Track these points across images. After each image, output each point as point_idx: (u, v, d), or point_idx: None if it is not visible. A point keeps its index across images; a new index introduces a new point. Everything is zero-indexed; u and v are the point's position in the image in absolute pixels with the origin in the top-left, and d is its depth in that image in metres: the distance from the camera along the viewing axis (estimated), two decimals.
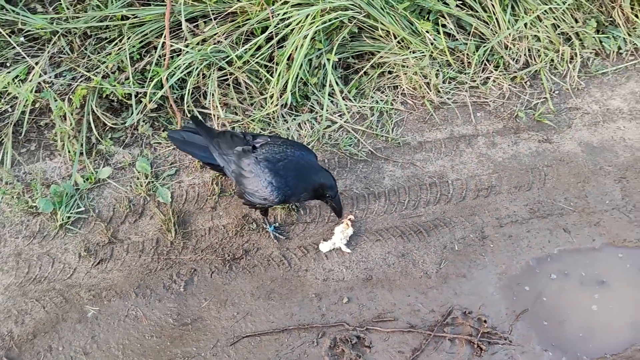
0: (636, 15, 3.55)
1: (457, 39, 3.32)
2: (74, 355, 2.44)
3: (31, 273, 2.63)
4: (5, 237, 2.72)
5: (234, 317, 2.56)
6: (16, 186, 2.81)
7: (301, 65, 3.00)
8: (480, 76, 3.31)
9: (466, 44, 3.30)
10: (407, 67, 3.23)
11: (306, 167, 2.46)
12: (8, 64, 3.05)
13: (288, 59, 3.01)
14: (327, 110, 3.08)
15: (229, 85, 3.08)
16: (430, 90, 3.20)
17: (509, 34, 3.32)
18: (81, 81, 3.01)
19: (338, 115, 3.10)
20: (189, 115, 3.01)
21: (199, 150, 2.61)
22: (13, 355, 2.44)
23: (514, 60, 3.35)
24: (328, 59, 3.07)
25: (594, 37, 3.49)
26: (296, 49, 2.96)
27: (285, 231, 2.78)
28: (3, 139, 2.94)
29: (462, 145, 3.07)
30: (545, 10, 3.38)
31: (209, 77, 3.02)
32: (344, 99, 3.12)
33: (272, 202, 2.45)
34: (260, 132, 3.01)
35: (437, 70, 3.24)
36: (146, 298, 2.59)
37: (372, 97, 3.18)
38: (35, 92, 2.94)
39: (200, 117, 2.98)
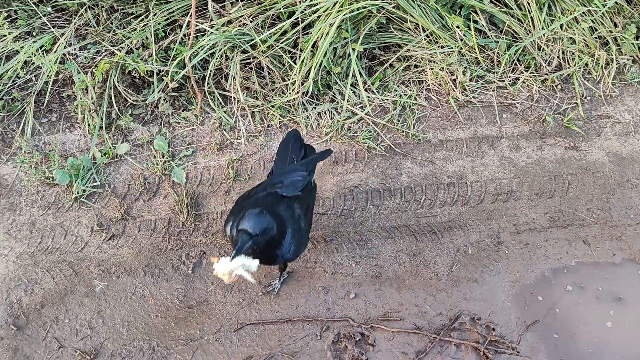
0: None
1: (488, 36, 3.22)
2: (79, 328, 2.46)
3: (43, 243, 2.66)
4: (21, 206, 2.75)
5: (239, 303, 2.55)
6: (35, 156, 2.83)
7: (325, 53, 2.94)
8: (510, 76, 3.20)
9: (497, 42, 3.19)
10: (434, 62, 3.14)
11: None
12: (34, 34, 3.06)
13: (313, 46, 2.95)
14: (348, 101, 3.02)
15: (251, 69, 3.04)
16: (456, 88, 3.11)
17: (543, 35, 3.20)
18: (105, 55, 3.00)
19: (359, 107, 3.04)
20: (208, 97, 2.99)
21: None
22: (20, 323, 2.47)
23: (546, 62, 3.24)
24: (353, 49, 3.01)
25: (632, 43, 3.34)
26: (321, 37, 2.90)
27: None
28: (25, 108, 2.96)
29: (484, 147, 2.99)
30: (583, 12, 3.25)
31: (231, 60, 2.99)
32: (366, 91, 3.06)
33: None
34: (285, 125, 2.97)
35: (465, 67, 3.15)
36: (154, 277, 2.60)
37: (396, 91, 3.11)
38: (59, 63, 2.95)
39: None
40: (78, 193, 2.75)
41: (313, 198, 2.45)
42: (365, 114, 3.01)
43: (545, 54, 3.24)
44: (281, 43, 2.97)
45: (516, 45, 3.20)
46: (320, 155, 2.47)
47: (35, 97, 2.97)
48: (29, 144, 2.87)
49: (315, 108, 3.03)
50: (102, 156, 2.85)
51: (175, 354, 2.40)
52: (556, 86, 3.23)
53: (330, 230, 2.73)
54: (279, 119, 3.00)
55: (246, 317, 2.52)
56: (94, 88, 2.90)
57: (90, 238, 2.68)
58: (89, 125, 2.92)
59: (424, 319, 2.53)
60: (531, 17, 3.21)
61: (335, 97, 3.07)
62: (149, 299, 2.54)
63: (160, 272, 2.62)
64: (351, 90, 3.05)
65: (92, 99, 2.90)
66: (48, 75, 2.93)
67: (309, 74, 2.94)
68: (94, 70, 2.92)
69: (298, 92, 2.98)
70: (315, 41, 2.94)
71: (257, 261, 2.07)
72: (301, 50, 2.97)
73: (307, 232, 2.33)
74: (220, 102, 3.02)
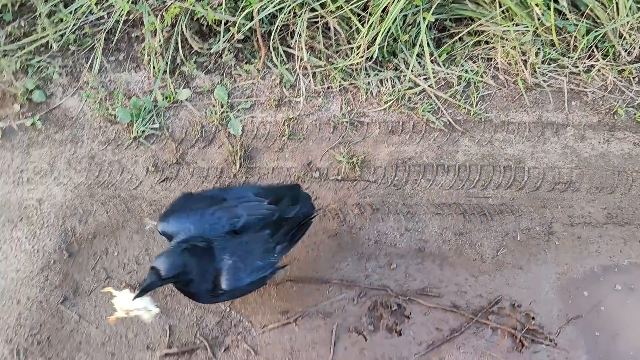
0: None
1: (567, 18, 3.06)
2: (127, 262, 2.56)
3: (100, 177, 2.75)
4: (82, 139, 2.84)
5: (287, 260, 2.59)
6: (100, 92, 2.91)
7: (395, 19, 2.86)
8: (585, 63, 3.05)
9: (577, 25, 3.03)
10: (506, 39, 3.02)
11: None
12: None
13: (382, 11, 2.88)
14: (412, 71, 2.95)
15: (317, 28, 3.00)
16: (526, 69, 2.99)
17: (627, 22, 3.02)
18: (176, 0, 3.02)
19: (423, 78, 2.97)
20: (272, 53, 2.97)
21: None
22: (72, 250, 2.59)
23: (626, 51, 3.06)
24: (424, 18, 2.92)
25: None
26: (393, 2, 2.82)
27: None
28: (95, 45, 3.03)
29: (548, 133, 2.88)
30: None
31: (299, 17, 2.95)
32: (432, 62, 2.98)
33: None
34: (326, 91, 2.94)
35: (539, 48, 3.02)
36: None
37: (462, 66, 3.02)
38: (132, 3, 2.99)
39: None
40: (137, 133, 2.81)
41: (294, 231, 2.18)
42: (428, 86, 2.94)
43: (627, 42, 3.06)
44: (351, 4, 2.91)
45: (596, 31, 3.03)
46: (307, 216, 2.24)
47: (105, 34, 3.03)
48: (96, 80, 2.94)
49: (377, 74, 2.98)
50: (163, 99, 2.90)
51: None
52: (633, 78, 3.06)
53: (378, 199, 2.71)
54: (340, 82, 2.96)
55: (287, 273, 2.56)
56: (162, 31, 2.93)
57: (145, 178, 2.76)
58: (153, 67, 2.96)
59: (462, 298, 2.50)
60: (616, 3, 3.02)
61: (399, 65, 3.00)
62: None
63: None
64: (416, 60, 2.98)
65: (159, 42, 2.94)
66: (119, 14, 2.97)
67: (375, 39, 2.88)
68: (163, 13, 2.94)
69: (362, 57, 2.93)
70: (386, 6, 2.86)
71: (157, 309, 1.90)
72: (370, 14, 2.90)
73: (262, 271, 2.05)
74: (283, 59, 3.01)
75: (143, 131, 2.83)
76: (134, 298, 1.78)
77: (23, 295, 2.48)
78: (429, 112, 2.90)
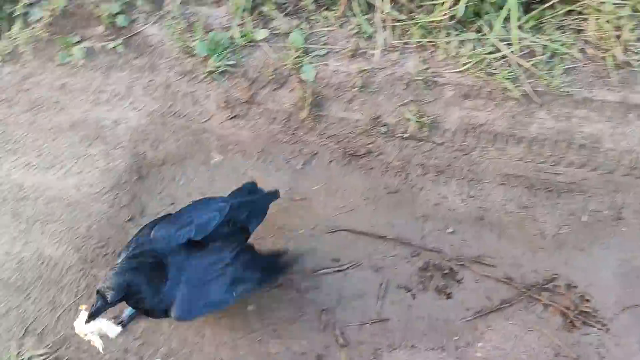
0: None
1: None
2: (191, 191, 2.65)
3: (174, 107, 2.82)
4: (160, 68, 2.90)
5: (339, 208, 2.61)
6: (180, 23, 2.94)
7: None
8: None
9: None
10: (601, 11, 2.85)
11: None
12: None
13: None
14: (496, 35, 2.84)
15: None
16: (618, 45, 2.83)
17: None
18: None
19: (505, 44, 2.85)
20: (353, 2, 2.91)
21: None
22: (142, 173, 2.70)
23: None
24: None
25: None
26: None
27: None
28: None
29: (631, 116, 2.74)
30: None
31: None
32: (518, 28, 2.85)
33: None
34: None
35: (635, 25, 2.84)
36: (265, 164, 2.71)
37: (550, 35, 2.88)
38: None
39: None
40: (213, 67, 2.85)
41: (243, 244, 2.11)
42: (511, 52, 2.82)
43: None
44: None
45: None
46: (264, 198, 2.23)
47: None
48: (178, 11, 2.98)
49: (458, 35, 2.88)
50: (240, 37, 2.92)
51: (272, 237, 2.53)
52: None
53: (443, 162, 2.68)
54: (419, 38, 2.89)
55: (342, 222, 2.59)
56: None
57: (216, 112, 2.81)
58: (234, 4, 2.96)
59: (517, 272, 2.47)
60: None
61: (482, 28, 2.89)
62: (256, 181, 2.65)
63: (272, 161, 2.71)
64: (501, 24, 2.86)
65: None
66: None
67: None
68: None
69: (445, 15, 2.83)
70: None
71: (118, 329, 1.88)
72: None
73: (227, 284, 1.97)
74: (363, 9, 2.95)
75: (218, 66, 2.86)
76: (85, 322, 1.76)
77: (94, 209, 2.62)
78: (507, 79, 2.79)
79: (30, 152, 2.75)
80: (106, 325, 1.87)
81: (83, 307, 1.82)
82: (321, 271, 2.52)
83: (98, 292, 1.72)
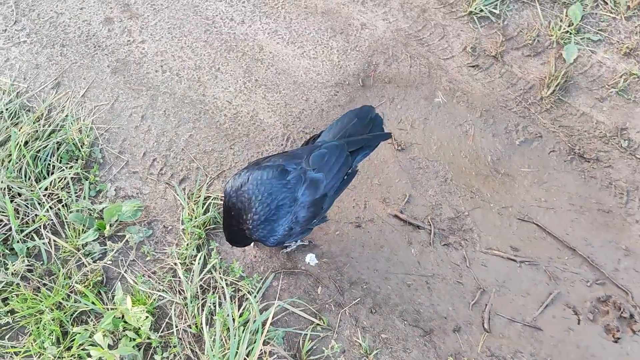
0: None
1: None
2: (403, 119, 2.61)
3: (422, 33, 2.75)
4: None
5: (539, 200, 2.44)
6: None
7: None
8: None
9: None
10: None
11: None
12: None
13: None
14: None
15: None
16: None
17: None
18: None
19: None
20: None
21: None
22: (367, 83, 2.70)
23: None
24: None
25: None
26: None
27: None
28: None
29: None
30: None
31: None
32: None
33: None
34: None
35: None
36: (485, 124, 2.58)
37: None
38: None
39: None
40: (474, 9, 2.71)
41: (342, 184, 2.06)
42: None
43: None
44: None
45: None
46: (374, 138, 2.06)
47: None
48: None
49: None
50: None
51: (458, 198, 2.45)
52: None
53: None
54: None
55: (537, 216, 2.43)
56: None
57: (458, 55, 2.70)
58: None
59: None
60: None
61: None
62: (469, 139, 2.56)
63: (493, 124, 2.58)
64: None
65: None
66: None
67: None
68: None
69: None
70: None
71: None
72: None
73: (306, 222, 2.00)
74: None
75: (481, 10, 2.72)
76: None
77: (312, 96, 2.69)
78: None
79: (281, 22, 2.86)
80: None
81: None
82: (495, 251, 2.41)
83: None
